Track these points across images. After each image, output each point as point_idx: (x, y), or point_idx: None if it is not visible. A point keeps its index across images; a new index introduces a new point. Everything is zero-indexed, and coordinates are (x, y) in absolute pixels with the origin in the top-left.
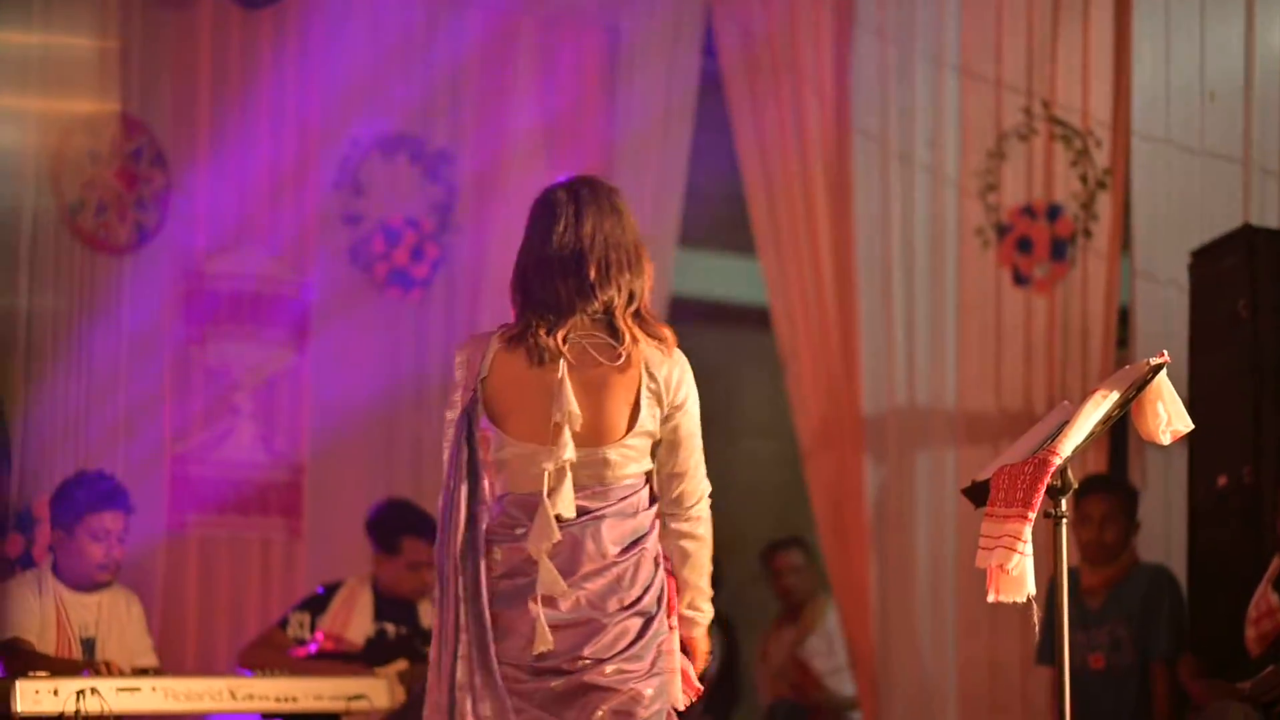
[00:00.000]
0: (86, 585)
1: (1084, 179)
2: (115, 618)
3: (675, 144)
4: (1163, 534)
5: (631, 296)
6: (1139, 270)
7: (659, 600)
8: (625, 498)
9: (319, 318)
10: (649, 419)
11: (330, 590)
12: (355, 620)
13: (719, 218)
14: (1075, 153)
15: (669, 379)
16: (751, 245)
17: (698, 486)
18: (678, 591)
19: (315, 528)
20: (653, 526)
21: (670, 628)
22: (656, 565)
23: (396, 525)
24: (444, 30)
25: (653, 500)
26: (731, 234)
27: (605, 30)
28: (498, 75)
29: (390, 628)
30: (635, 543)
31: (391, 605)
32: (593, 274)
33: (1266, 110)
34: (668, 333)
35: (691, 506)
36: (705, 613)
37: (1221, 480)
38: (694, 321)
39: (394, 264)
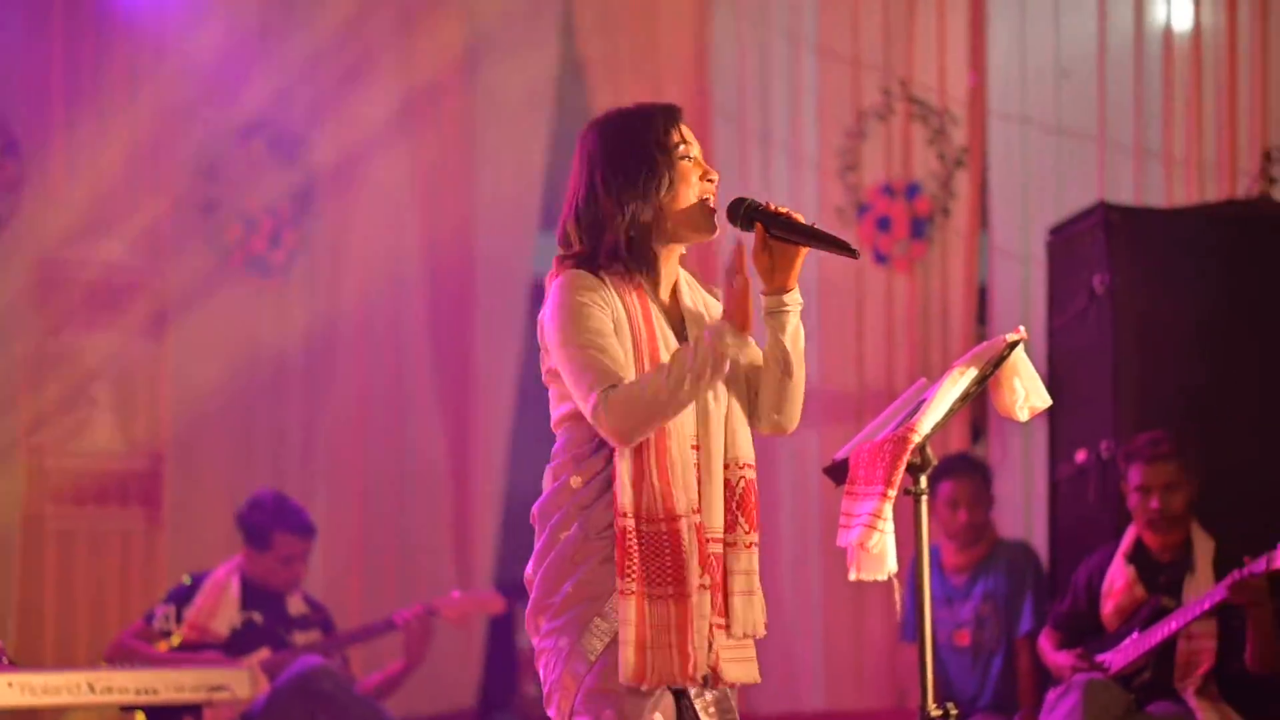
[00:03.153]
0: None
1: (942, 157)
2: None
3: (535, 127)
4: (1024, 509)
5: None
6: (997, 247)
7: (543, 582)
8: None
9: (176, 305)
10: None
11: (197, 579)
12: (222, 609)
13: None
14: (933, 131)
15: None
16: None
17: (586, 410)
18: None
19: (176, 517)
20: (557, 485)
21: (552, 628)
22: (553, 540)
23: (268, 520)
24: (300, 14)
25: (571, 452)
26: None
27: (463, 13)
28: (355, 60)
29: (257, 616)
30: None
31: (260, 595)
32: None
33: (1120, 88)
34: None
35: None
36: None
37: (1080, 455)
38: None
39: (251, 251)
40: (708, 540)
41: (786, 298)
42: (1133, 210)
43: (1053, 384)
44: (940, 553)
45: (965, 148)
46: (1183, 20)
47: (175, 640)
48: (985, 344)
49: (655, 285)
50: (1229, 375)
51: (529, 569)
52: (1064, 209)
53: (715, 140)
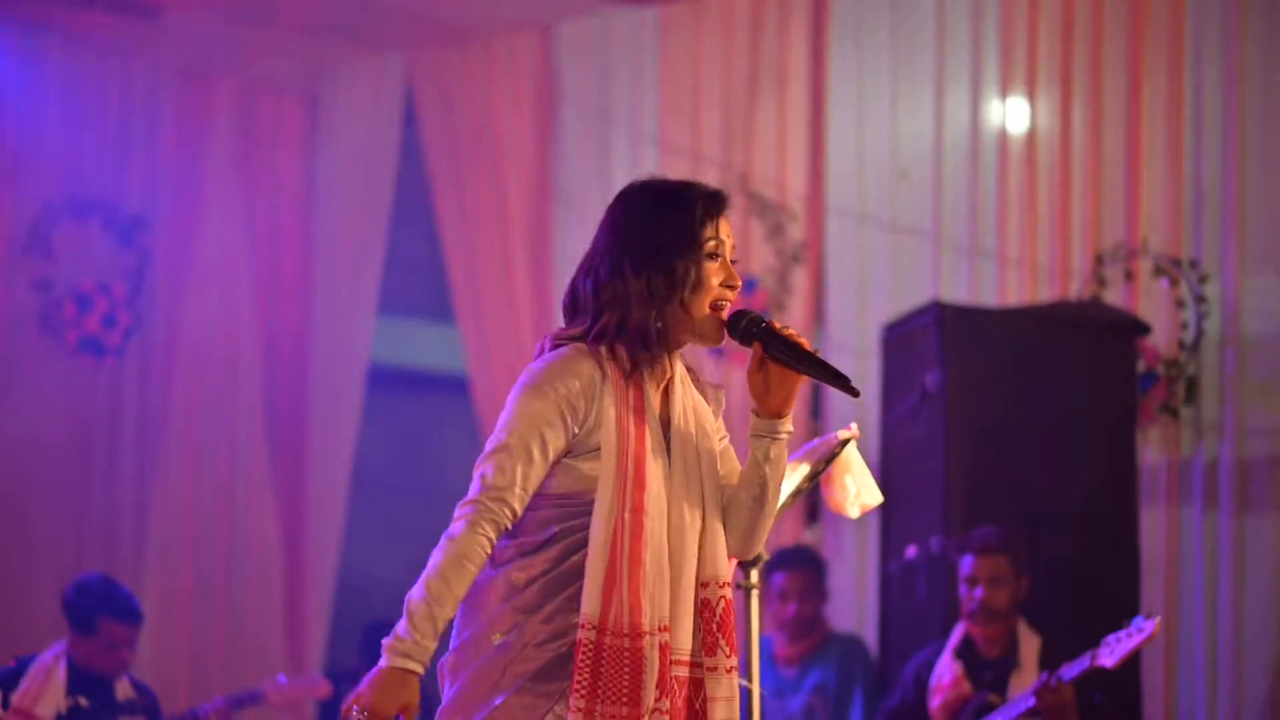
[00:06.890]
0: None
1: (779, 252)
2: None
3: (375, 210)
4: (856, 602)
5: None
6: (833, 342)
7: (471, 685)
8: None
9: (7, 384)
10: None
11: (23, 662)
12: (48, 693)
13: (420, 286)
14: (771, 226)
15: None
16: (452, 313)
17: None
18: None
19: (2, 598)
20: (497, 574)
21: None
22: (484, 639)
23: (93, 605)
24: (140, 94)
25: (517, 539)
26: (432, 302)
27: (304, 96)
28: (194, 140)
29: (83, 701)
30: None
31: (86, 679)
32: None
33: (956, 189)
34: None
35: None
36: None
37: (910, 550)
38: (394, 390)
39: (85, 331)
40: (672, 662)
41: (778, 423)
42: (966, 309)
43: (885, 479)
44: (772, 644)
45: (803, 243)
46: (1018, 123)
47: None
48: (818, 440)
49: (655, 379)
50: (1058, 473)
51: (448, 660)
52: (900, 306)
53: (558, 231)
